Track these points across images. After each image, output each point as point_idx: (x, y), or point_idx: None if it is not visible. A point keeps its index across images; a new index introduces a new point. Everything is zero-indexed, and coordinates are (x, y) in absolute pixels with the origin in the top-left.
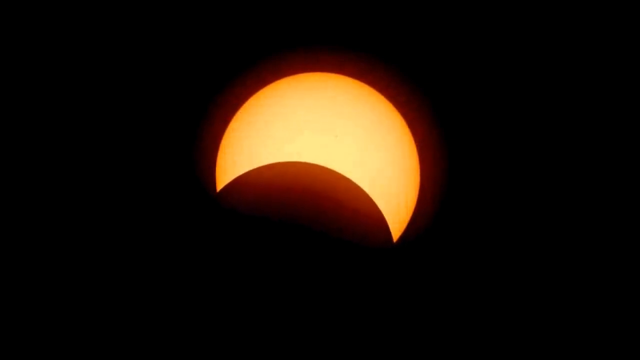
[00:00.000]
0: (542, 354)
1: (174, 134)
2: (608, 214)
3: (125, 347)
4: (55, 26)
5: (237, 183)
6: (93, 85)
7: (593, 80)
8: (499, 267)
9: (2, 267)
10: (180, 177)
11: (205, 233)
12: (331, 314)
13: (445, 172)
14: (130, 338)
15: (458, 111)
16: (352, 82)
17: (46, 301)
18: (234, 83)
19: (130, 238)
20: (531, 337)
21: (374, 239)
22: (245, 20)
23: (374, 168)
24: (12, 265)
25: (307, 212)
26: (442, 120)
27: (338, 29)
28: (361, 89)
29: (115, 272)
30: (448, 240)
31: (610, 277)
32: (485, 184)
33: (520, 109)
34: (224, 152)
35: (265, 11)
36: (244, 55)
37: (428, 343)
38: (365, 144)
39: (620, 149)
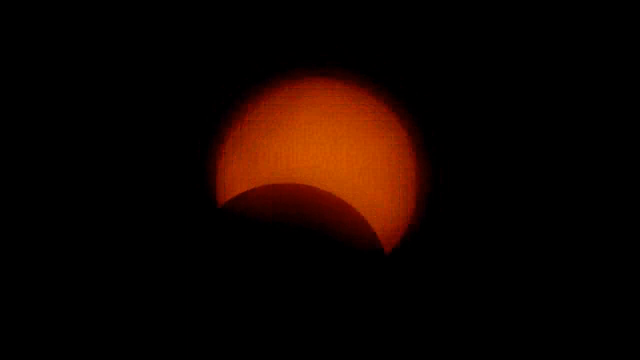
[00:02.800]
0: None
1: (173, 143)
2: (605, 226)
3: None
4: (52, 37)
5: (237, 200)
6: (90, 99)
7: (586, 85)
8: (493, 280)
9: None
10: (181, 186)
11: (204, 242)
12: (325, 325)
13: (444, 180)
14: (129, 351)
15: (458, 119)
16: (350, 88)
17: (35, 313)
18: (232, 91)
19: (127, 243)
20: (527, 348)
21: (364, 250)
22: (243, 35)
23: (370, 174)
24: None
25: (300, 232)
26: (441, 126)
27: (336, 40)
28: (359, 93)
29: (111, 277)
30: (442, 249)
31: (610, 292)
32: (484, 194)
33: (524, 119)
34: (226, 159)
35: (257, 24)
36: (246, 68)
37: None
38: (362, 151)
39: (617, 165)
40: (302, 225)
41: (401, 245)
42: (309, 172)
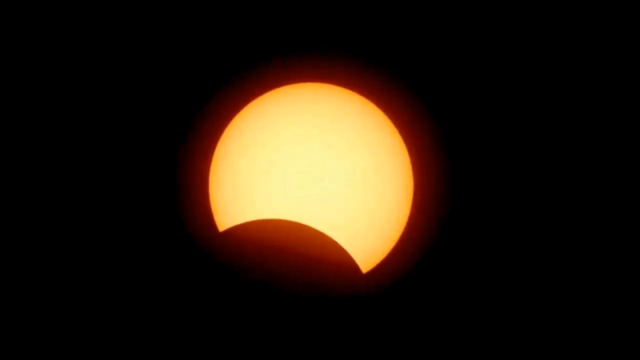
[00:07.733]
0: None
1: (158, 153)
2: (616, 236)
3: None
4: (28, 40)
5: (234, 231)
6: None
7: (590, 84)
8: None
9: None
10: (165, 206)
11: (200, 264)
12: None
13: (443, 188)
14: None
15: (460, 124)
16: (344, 92)
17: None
18: (220, 95)
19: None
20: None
21: (346, 286)
22: (225, 31)
23: (366, 185)
24: None
25: (284, 270)
26: (440, 130)
27: (328, 36)
28: (353, 97)
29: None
30: (439, 282)
31: (623, 302)
32: (489, 215)
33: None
34: (215, 172)
35: (246, 21)
36: (228, 68)
37: None
38: (359, 156)
39: (622, 156)
40: (285, 257)
41: (382, 267)
42: (295, 200)
